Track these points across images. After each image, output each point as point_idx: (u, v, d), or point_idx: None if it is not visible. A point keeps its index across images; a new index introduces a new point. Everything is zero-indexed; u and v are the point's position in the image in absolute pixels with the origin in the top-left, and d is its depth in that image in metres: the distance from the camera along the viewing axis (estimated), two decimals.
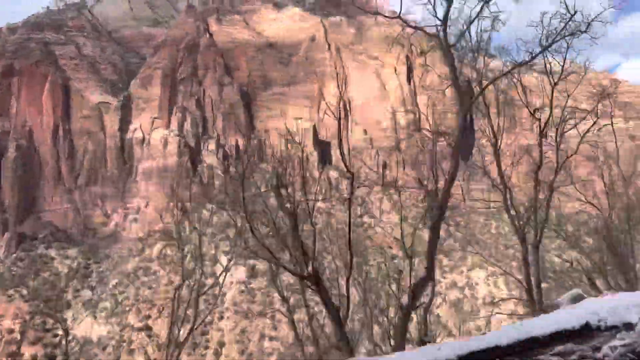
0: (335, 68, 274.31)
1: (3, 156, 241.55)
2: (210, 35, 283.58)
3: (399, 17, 25.98)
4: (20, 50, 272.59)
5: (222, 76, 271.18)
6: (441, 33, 25.80)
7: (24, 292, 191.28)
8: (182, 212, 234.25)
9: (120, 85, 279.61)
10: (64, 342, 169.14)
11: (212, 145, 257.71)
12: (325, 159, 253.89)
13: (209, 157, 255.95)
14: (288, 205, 25.42)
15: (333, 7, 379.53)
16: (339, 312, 24.49)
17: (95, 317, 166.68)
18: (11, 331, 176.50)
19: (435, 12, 25.02)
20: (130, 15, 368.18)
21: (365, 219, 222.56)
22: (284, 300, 37.16)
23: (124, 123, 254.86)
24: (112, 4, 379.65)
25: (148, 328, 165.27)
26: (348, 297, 25.97)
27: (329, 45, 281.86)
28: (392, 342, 25.83)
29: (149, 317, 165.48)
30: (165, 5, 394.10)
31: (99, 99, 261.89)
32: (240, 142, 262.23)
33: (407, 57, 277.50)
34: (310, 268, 23.25)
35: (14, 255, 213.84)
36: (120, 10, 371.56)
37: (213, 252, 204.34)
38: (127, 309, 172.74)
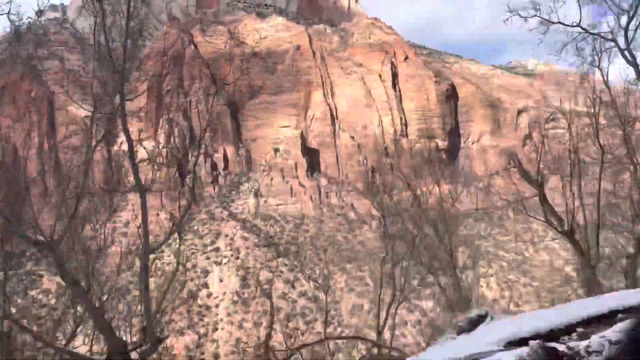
0: (321, 76, 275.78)
1: None
2: (195, 46, 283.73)
3: (578, 25, 32.61)
4: (2, 65, 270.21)
5: (208, 87, 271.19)
6: (619, 38, 32.34)
7: (13, 310, 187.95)
8: (172, 223, 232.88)
9: (106, 99, 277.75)
10: None
11: (199, 156, 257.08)
12: (314, 167, 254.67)
13: (197, 168, 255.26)
14: (538, 179, 34.21)
15: (316, 16, 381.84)
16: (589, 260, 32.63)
17: (87, 335, 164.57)
18: None
19: (619, 20, 32.17)
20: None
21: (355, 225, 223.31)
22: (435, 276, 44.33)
23: (110, 136, 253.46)
24: (95, 17, 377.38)
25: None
26: (598, 246, 33.60)
27: (314, 53, 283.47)
28: (627, 283, 33.23)
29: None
30: (148, 18, 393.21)
31: (84, 113, 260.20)
32: (229, 152, 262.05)
33: (392, 63, 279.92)
34: (567, 225, 32.06)
35: (1, 273, 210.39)
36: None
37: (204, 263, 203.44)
38: (120, 324, 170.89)
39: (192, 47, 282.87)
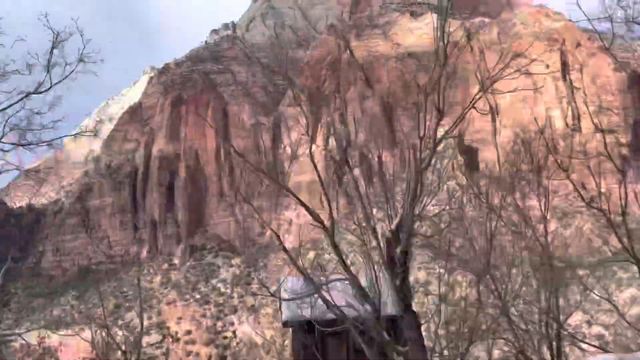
0: (480, 70, 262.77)
1: (176, 177, 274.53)
2: (351, 51, 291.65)
3: None
4: (186, 81, 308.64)
5: (363, 90, 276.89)
6: None
7: (197, 296, 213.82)
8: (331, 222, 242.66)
9: (271, 107, 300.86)
10: (233, 343, 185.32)
11: (356, 158, 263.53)
12: (472, 165, 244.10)
13: (354, 170, 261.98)
14: None
15: (472, 9, 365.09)
16: None
17: (258, 322, 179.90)
18: (189, 332, 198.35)
19: None
20: (276, 41, 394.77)
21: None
22: None
23: (276, 141, 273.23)
24: (260, 32, 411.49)
25: None
26: None
27: (472, 47, 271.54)
28: None
29: None
30: (306, 28, 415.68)
31: (253, 120, 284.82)
32: (383, 153, 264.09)
33: (561, 52, 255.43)
34: None
35: (187, 264, 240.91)
36: (267, 37, 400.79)
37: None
38: None
39: (348, 52, 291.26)
